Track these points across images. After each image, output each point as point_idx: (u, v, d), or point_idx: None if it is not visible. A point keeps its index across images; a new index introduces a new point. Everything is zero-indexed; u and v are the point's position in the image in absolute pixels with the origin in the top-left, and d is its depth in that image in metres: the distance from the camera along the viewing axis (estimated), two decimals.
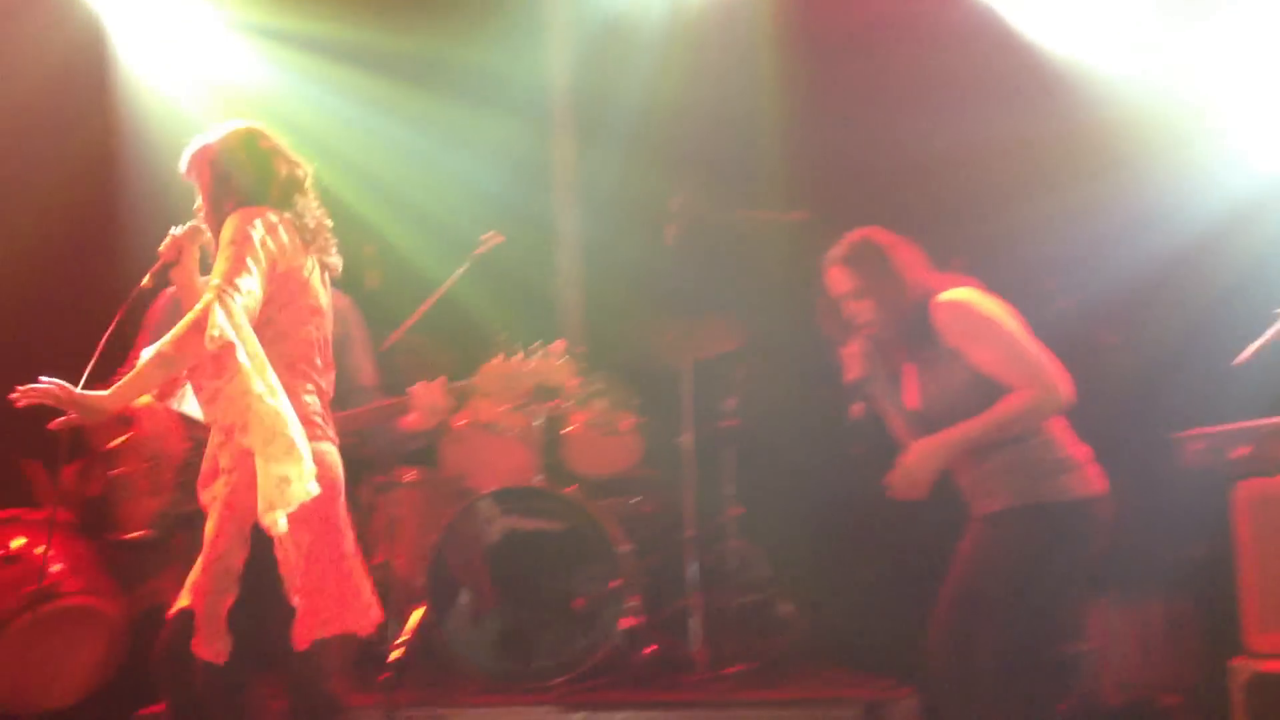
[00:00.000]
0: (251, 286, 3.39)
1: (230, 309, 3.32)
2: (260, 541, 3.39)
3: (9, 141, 6.25)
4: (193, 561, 3.82)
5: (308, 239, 3.62)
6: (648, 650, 5.44)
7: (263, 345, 3.44)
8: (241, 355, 3.31)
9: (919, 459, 3.85)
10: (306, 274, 3.59)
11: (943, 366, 3.86)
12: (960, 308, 3.85)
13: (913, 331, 3.89)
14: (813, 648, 5.89)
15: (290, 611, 3.45)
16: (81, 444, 6.26)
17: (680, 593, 5.80)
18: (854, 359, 4.05)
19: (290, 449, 3.32)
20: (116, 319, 3.49)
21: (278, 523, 3.30)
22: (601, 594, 5.47)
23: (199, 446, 3.86)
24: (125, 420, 4.04)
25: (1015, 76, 6.27)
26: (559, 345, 4.08)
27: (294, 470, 3.32)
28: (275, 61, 6.88)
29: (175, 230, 3.67)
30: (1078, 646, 5.24)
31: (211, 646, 3.42)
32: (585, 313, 7.22)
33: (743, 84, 6.81)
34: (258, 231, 3.45)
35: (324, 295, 3.71)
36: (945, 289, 3.90)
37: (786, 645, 5.81)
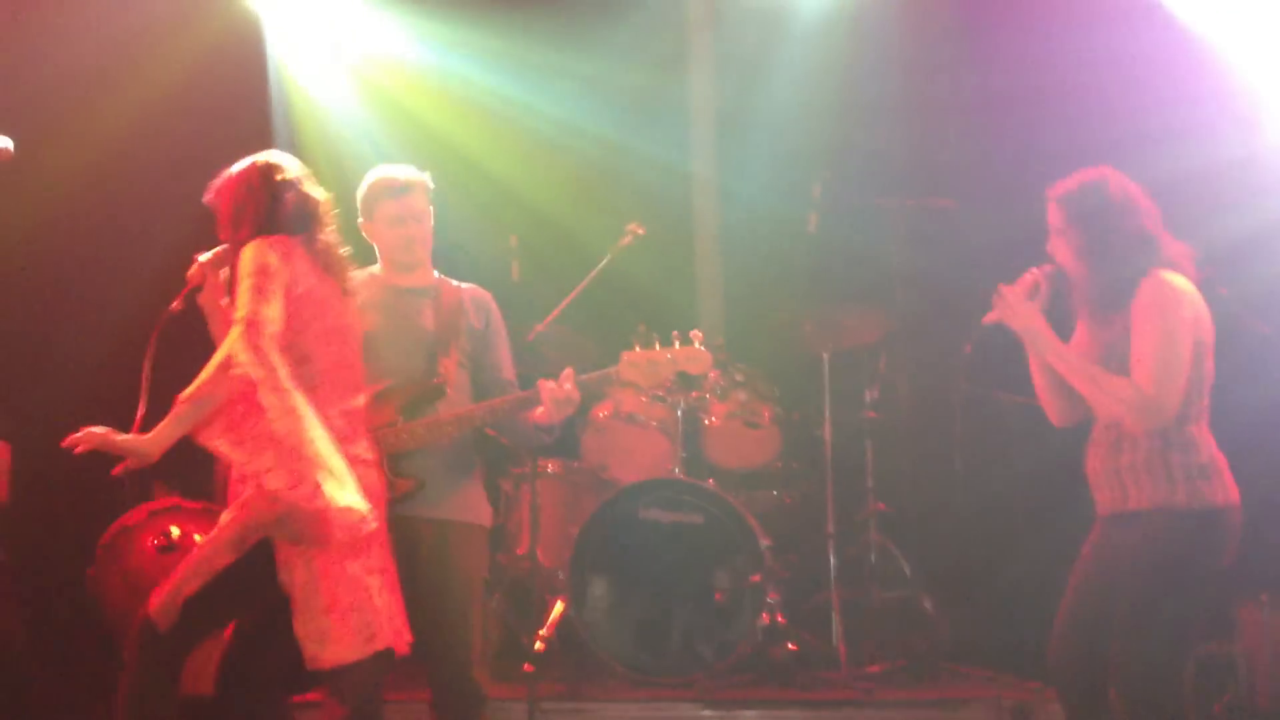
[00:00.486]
0: (273, 315, 3.55)
1: (253, 343, 3.49)
2: (259, 556, 3.56)
3: (168, 137, 6.43)
4: None
5: (324, 263, 3.78)
6: (788, 647, 5.38)
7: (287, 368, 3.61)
8: (266, 392, 3.48)
9: (1025, 308, 3.73)
10: (324, 296, 3.74)
11: (1114, 327, 3.70)
12: (1168, 291, 3.63)
13: (1113, 286, 3.73)
14: (957, 647, 5.78)
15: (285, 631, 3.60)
16: None
17: (821, 589, 5.75)
18: (1008, 299, 3.85)
19: (331, 483, 3.47)
20: (152, 341, 3.65)
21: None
22: (741, 589, 5.44)
23: None
24: None
25: (1170, 61, 6.04)
26: (697, 334, 4.04)
27: (344, 495, 3.47)
28: (426, 48, 6.98)
29: (201, 257, 3.80)
30: (1225, 649, 5.05)
31: (164, 617, 3.58)
32: (725, 304, 7.18)
33: (888, 70, 6.69)
34: (272, 258, 3.61)
35: (348, 315, 3.85)
36: (1171, 263, 3.70)
37: (930, 644, 5.70)
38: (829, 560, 5.73)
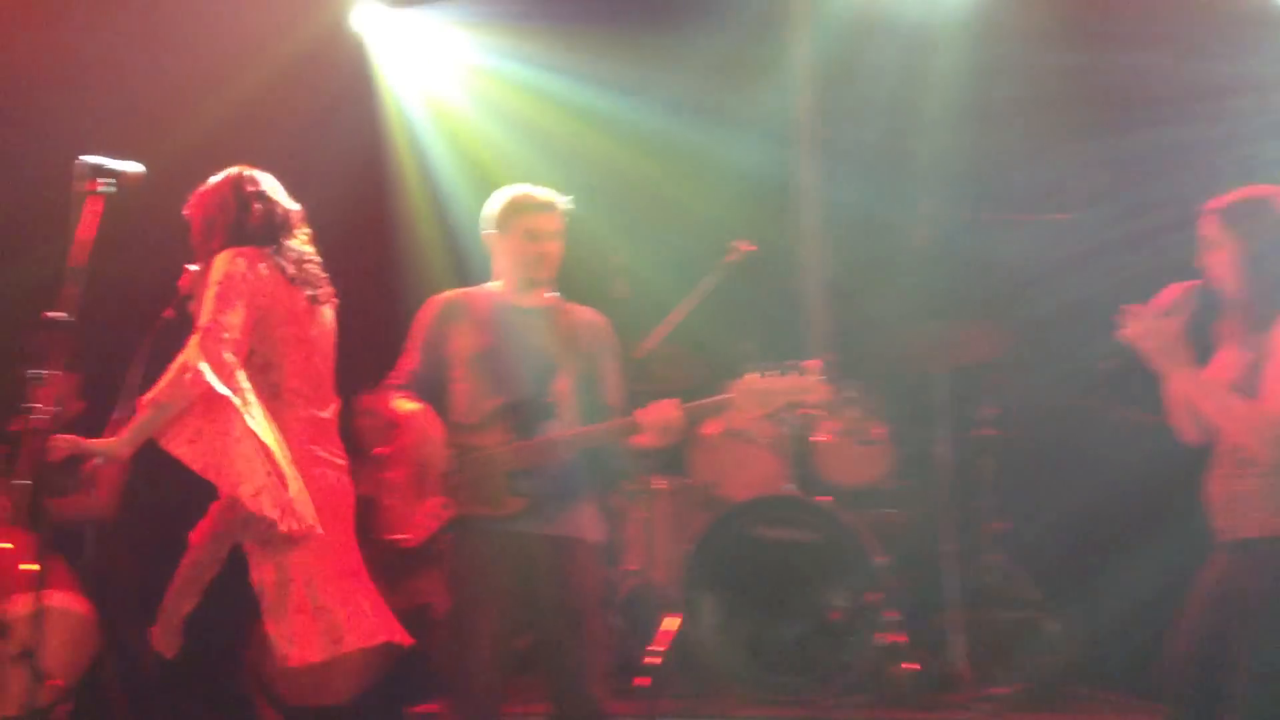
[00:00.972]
0: (235, 322, 3.74)
1: (211, 350, 3.69)
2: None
3: (284, 160, 6.51)
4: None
5: (292, 274, 3.92)
6: (907, 667, 5.28)
7: (249, 375, 3.80)
8: (224, 392, 3.68)
9: (1156, 326, 3.60)
10: (290, 306, 3.87)
11: (1257, 348, 3.59)
12: None
13: (1264, 306, 3.61)
14: (1083, 670, 5.64)
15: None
16: (356, 448, 6.52)
17: (940, 609, 5.63)
18: (1140, 317, 3.74)
19: (270, 485, 3.66)
20: (145, 346, 3.78)
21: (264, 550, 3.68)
22: (858, 607, 5.35)
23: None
24: (392, 426, 4.16)
25: None
26: (815, 364, 3.97)
27: (269, 504, 3.65)
28: (520, 61, 7.01)
29: (193, 266, 3.89)
30: None
31: (168, 645, 3.77)
32: (832, 320, 7.10)
33: (997, 83, 6.60)
34: (237, 268, 3.78)
35: (315, 326, 3.98)
36: None
37: (1055, 666, 5.56)
38: (948, 579, 5.62)
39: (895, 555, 5.59)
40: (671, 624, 5.69)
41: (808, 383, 3.90)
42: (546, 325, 4.17)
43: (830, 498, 5.70)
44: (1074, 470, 5.91)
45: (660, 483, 6.10)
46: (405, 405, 4.12)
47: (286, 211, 4.00)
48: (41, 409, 3.14)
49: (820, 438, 6.00)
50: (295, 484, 3.77)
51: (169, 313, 3.86)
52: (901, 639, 5.34)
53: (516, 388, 4.06)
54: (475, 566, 4.03)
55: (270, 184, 4.00)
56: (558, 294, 4.28)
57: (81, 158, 3.57)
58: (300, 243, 4.02)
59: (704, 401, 4.01)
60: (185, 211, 3.98)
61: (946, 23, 6.71)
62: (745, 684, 5.35)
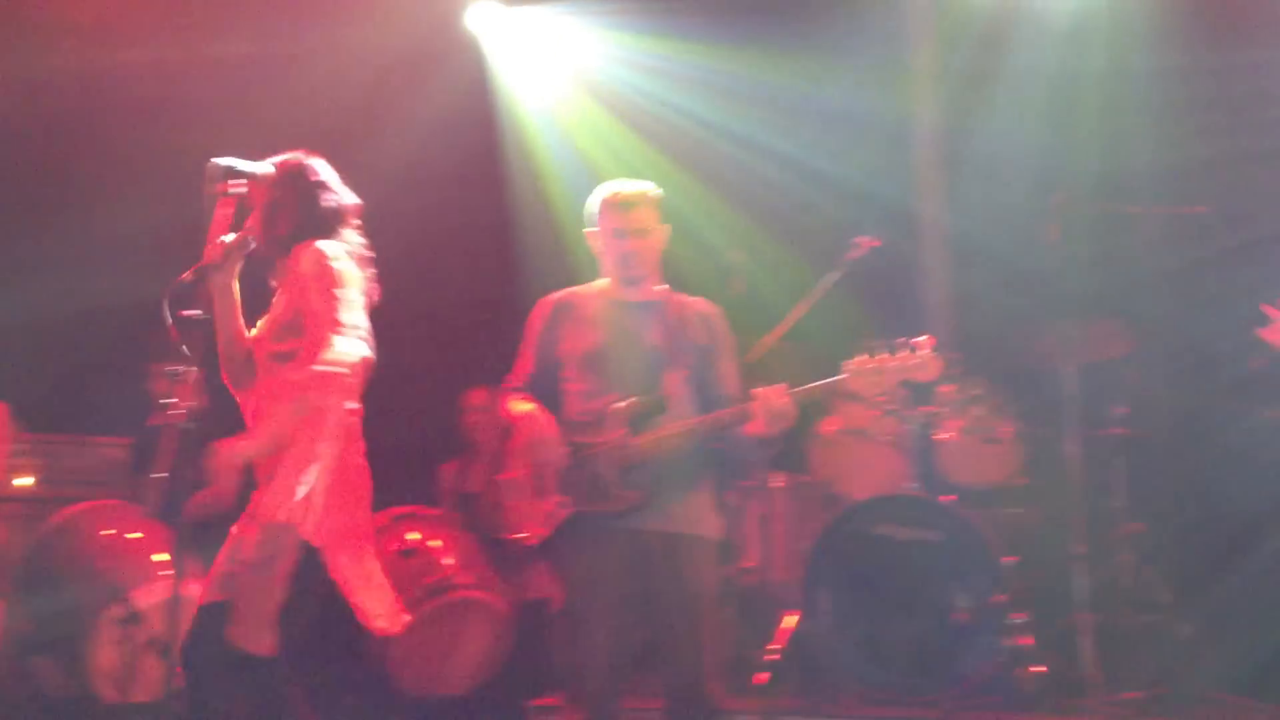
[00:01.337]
0: (362, 321, 3.76)
1: (356, 350, 3.69)
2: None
3: (399, 158, 6.60)
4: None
5: (360, 265, 3.89)
6: (1034, 670, 5.17)
7: None
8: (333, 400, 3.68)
9: None
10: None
11: None
12: None
13: None
14: (1215, 675, 5.46)
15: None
16: (465, 444, 6.60)
17: (1068, 611, 5.50)
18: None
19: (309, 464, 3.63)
20: (168, 308, 3.69)
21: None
22: (983, 608, 5.25)
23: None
24: (508, 428, 4.20)
25: None
26: (926, 340, 3.89)
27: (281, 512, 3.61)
28: (637, 61, 7.01)
29: (225, 238, 3.81)
30: None
31: (262, 644, 3.65)
32: (956, 317, 6.99)
33: (1133, 73, 6.44)
34: (346, 264, 3.79)
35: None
36: None
37: (1188, 671, 5.40)
38: (1077, 581, 5.48)
39: (1023, 556, 5.47)
40: (790, 622, 5.65)
41: (919, 359, 3.86)
42: (655, 319, 4.15)
43: (954, 497, 5.61)
44: (1208, 470, 5.74)
45: (778, 480, 6.07)
46: (520, 406, 4.16)
47: (347, 204, 4.02)
48: (178, 404, 3.18)
49: (944, 436, 5.90)
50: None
51: (187, 276, 3.80)
52: (1028, 641, 5.22)
53: (627, 384, 4.04)
54: (590, 563, 4.02)
55: (330, 173, 4.01)
56: (667, 286, 4.26)
57: (213, 160, 3.61)
58: (355, 234, 4.03)
59: (814, 385, 3.93)
60: (235, 190, 3.92)
61: (1072, 20, 6.58)
62: (864, 683, 5.28)
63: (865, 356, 3.89)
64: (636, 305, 4.17)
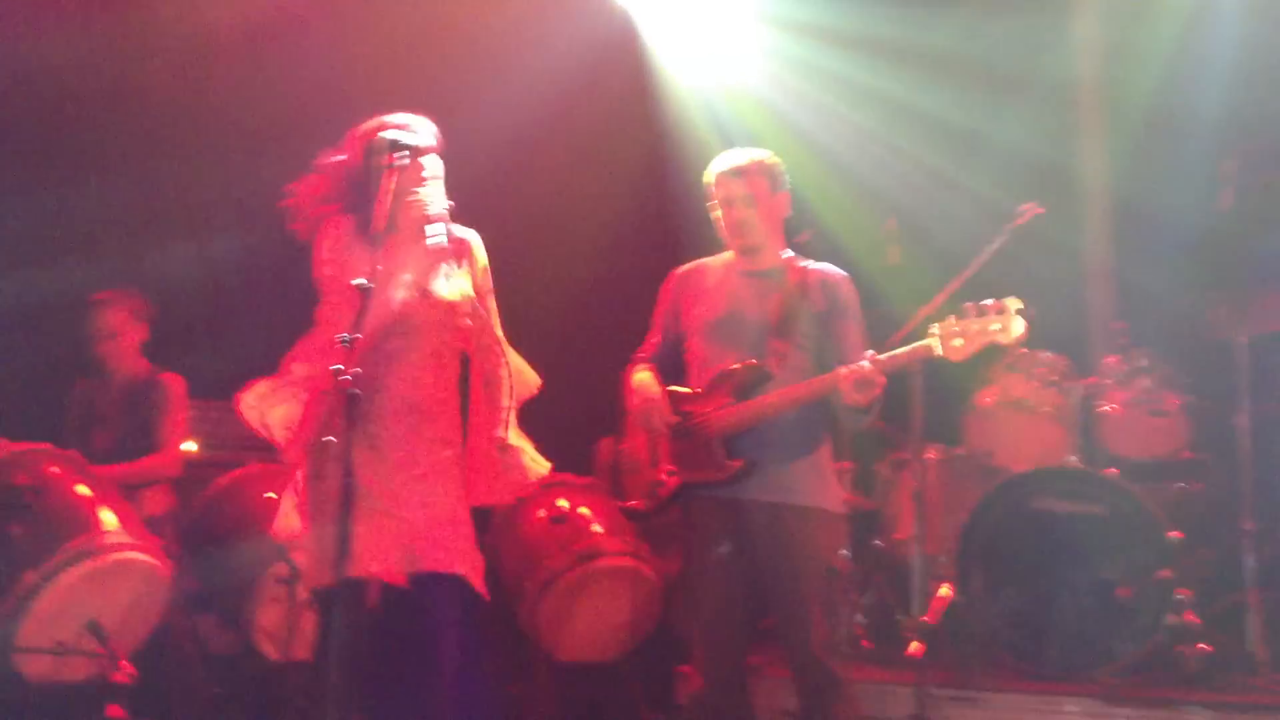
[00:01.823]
0: None
1: None
2: None
3: (559, 149, 6.65)
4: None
5: None
6: (1200, 648, 4.99)
7: None
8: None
9: None
10: None
11: None
12: None
13: None
14: None
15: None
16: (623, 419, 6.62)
17: (1236, 588, 5.30)
18: None
19: None
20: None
21: None
22: (1147, 584, 5.09)
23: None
24: (625, 398, 4.26)
25: None
26: (1011, 302, 3.78)
27: None
28: (799, 45, 6.93)
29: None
30: None
31: None
32: (1119, 286, 6.78)
33: None
34: None
35: None
36: None
37: None
38: (1246, 558, 5.28)
39: (1188, 532, 5.28)
40: (944, 595, 5.56)
41: (1003, 321, 3.76)
42: (774, 287, 4.12)
43: (1116, 470, 5.44)
44: None
45: (932, 452, 5.96)
46: (635, 376, 4.22)
47: None
48: (346, 370, 3.24)
49: (1107, 408, 5.73)
50: None
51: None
52: (1194, 619, 5.05)
53: (739, 353, 4.05)
54: (699, 533, 4.08)
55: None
56: (791, 254, 4.22)
57: (380, 134, 3.66)
58: None
59: (897, 352, 3.86)
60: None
61: None
62: (1020, 659, 5.16)
63: (951, 319, 3.82)
64: (756, 274, 4.16)
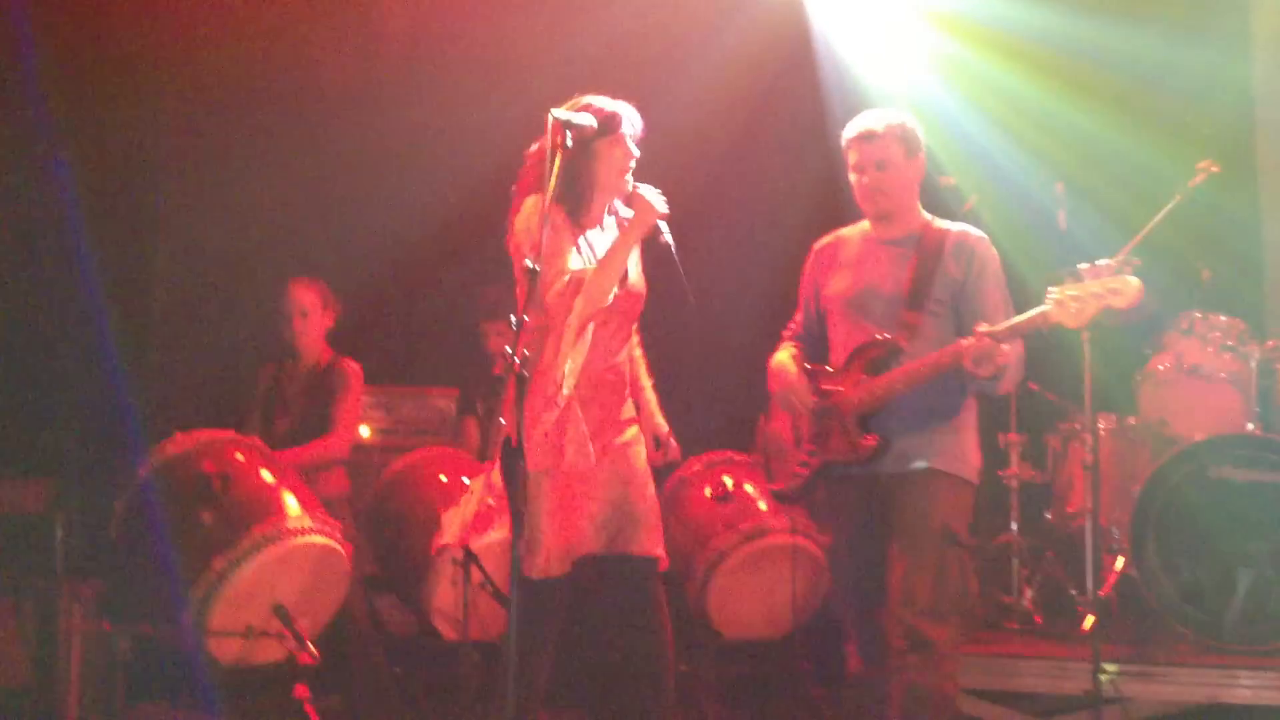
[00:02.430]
0: None
1: None
2: None
3: (732, 145, 6.64)
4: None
5: None
6: None
7: None
8: None
9: None
10: None
11: None
12: None
13: None
14: None
15: None
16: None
17: None
18: None
19: None
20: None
21: None
22: None
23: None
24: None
25: None
26: (1127, 263, 3.71)
27: None
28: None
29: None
30: None
31: None
32: None
33: None
34: None
35: None
36: None
37: None
38: None
39: None
40: (1117, 568, 5.45)
41: (1119, 282, 3.66)
42: (909, 254, 4.05)
43: None
44: None
45: (1104, 422, 5.83)
46: (776, 357, 4.22)
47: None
48: (519, 353, 3.32)
49: None
50: None
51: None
52: None
53: (873, 326, 4.02)
54: (838, 512, 4.12)
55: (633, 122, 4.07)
56: (928, 219, 4.14)
57: (552, 111, 3.69)
58: None
59: (1016, 321, 3.81)
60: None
61: None
62: (1198, 633, 5.03)
63: (1070, 283, 3.72)
64: (890, 242, 4.10)
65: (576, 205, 3.94)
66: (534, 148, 4.01)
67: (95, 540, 4.98)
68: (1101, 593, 5.33)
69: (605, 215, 4.06)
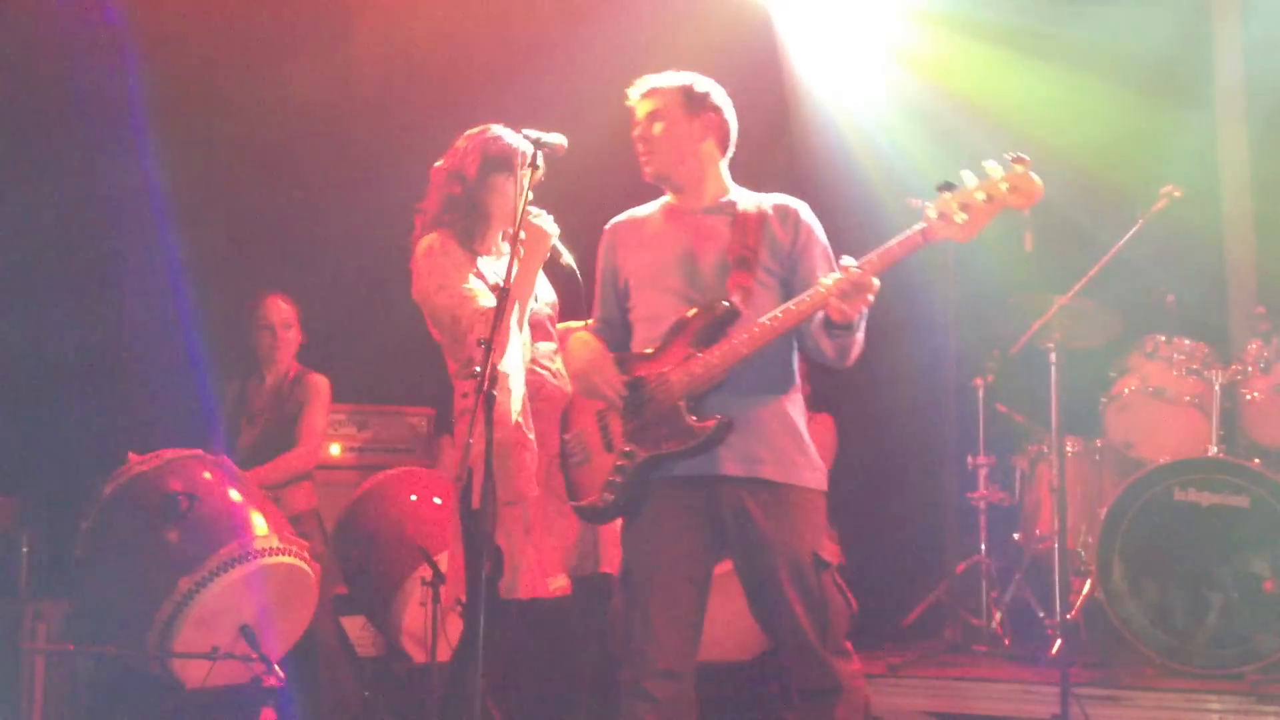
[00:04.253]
0: None
1: None
2: None
3: None
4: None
5: None
6: None
7: None
8: None
9: None
10: None
11: None
12: None
13: None
14: None
15: None
16: None
17: None
18: None
19: None
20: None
21: None
22: None
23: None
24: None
25: None
26: (1016, 158, 3.17)
27: None
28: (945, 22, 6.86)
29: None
30: None
31: None
32: (1259, 270, 6.59)
33: None
34: None
35: None
36: None
37: None
38: None
39: None
40: (1084, 591, 5.49)
41: (1012, 179, 3.13)
42: (721, 224, 3.64)
43: (1262, 461, 5.31)
44: None
45: (1071, 444, 5.88)
46: (575, 335, 3.76)
47: None
48: (485, 373, 3.34)
49: (1251, 396, 5.58)
50: None
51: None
52: None
53: (692, 300, 3.56)
54: (669, 522, 3.53)
55: None
56: (733, 188, 3.75)
57: (525, 131, 3.69)
58: None
59: (889, 246, 3.27)
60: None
61: None
62: (1164, 655, 5.07)
63: (946, 196, 3.19)
64: (704, 212, 3.69)
65: (470, 234, 4.07)
66: (439, 164, 4.14)
67: (60, 559, 4.93)
68: (1069, 616, 5.37)
69: (501, 242, 4.16)
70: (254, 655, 4.35)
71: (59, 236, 5.88)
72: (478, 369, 3.36)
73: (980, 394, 6.25)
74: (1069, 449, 5.88)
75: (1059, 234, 6.13)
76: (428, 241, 4.05)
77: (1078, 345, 5.77)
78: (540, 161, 3.68)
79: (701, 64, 6.44)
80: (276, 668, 4.35)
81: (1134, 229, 5.49)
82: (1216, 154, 6.72)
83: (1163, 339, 5.73)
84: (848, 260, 3.28)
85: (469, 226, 4.07)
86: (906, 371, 6.73)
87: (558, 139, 3.72)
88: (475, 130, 4.17)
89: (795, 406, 3.61)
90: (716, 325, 3.49)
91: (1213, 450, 5.38)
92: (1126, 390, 5.77)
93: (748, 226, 3.60)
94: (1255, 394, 5.54)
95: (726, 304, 3.50)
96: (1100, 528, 5.32)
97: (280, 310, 5.47)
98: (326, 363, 5.67)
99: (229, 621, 4.39)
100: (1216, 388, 5.50)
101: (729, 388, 3.47)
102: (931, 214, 3.22)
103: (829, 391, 6.38)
